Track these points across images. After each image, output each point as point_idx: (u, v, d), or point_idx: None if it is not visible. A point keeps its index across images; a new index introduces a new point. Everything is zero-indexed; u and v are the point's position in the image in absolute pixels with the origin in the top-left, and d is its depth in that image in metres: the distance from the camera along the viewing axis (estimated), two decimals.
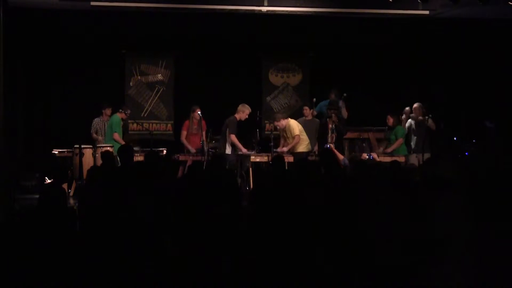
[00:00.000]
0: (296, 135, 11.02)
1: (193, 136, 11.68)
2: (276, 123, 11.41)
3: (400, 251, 4.49)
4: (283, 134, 11.33)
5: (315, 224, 5.02)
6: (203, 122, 11.64)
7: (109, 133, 11.47)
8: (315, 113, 12.02)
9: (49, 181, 10.80)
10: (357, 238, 4.77)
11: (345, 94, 11.94)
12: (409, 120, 11.60)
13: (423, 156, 10.95)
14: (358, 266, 4.56)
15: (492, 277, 4.20)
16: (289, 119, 11.31)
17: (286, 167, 10.77)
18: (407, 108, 11.80)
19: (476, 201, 4.57)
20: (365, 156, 11.10)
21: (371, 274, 4.44)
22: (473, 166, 6.91)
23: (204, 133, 11.55)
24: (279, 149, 11.26)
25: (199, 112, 11.51)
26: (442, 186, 4.72)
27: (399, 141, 11.29)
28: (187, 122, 11.76)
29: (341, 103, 11.94)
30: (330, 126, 11.25)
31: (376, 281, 4.43)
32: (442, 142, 11.85)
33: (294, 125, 11.13)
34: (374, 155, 11.05)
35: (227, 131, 10.99)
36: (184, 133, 11.76)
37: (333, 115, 11.33)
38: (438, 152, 11.46)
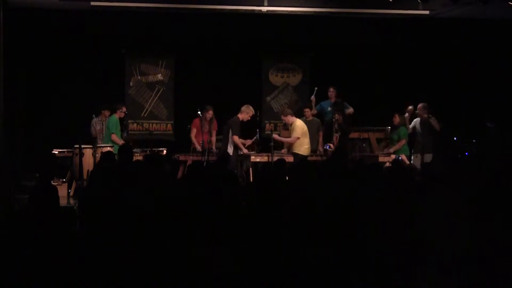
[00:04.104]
0: (295, 137, 11.05)
1: (204, 135, 11.61)
2: (282, 117, 11.45)
3: (397, 251, 4.49)
4: (289, 129, 11.37)
5: (314, 224, 5.03)
6: (215, 123, 11.68)
7: (107, 134, 11.48)
8: (315, 111, 12.03)
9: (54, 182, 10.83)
10: (357, 238, 4.77)
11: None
12: (415, 120, 11.56)
13: (423, 156, 10.94)
14: (357, 266, 4.56)
15: (490, 277, 4.20)
16: (297, 119, 11.27)
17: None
18: (411, 107, 11.77)
19: (475, 201, 4.58)
20: (393, 157, 11.09)
21: (370, 274, 4.45)
22: (473, 166, 6.91)
23: (214, 132, 11.65)
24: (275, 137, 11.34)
25: (208, 114, 11.53)
26: (438, 185, 4.73)
27: (402, 142, 11.30)
28: (197, 121, 11.69)
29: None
30: (335, 126, 11.28)
31: (374, 281, 4.43)
32: (442, 142, 11.85)
33: (299, 128, 11.10)
34: (403, 157, 11.02)
35: (230, 132, 10.97)
36: (194, 130, 11.72)
37: (336, 115, 11.36)
38: (439, 152, 11.47)
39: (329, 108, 12.04)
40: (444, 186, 4.76)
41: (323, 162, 10.27)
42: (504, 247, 4.23)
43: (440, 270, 4.33)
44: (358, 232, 4.79)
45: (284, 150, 11.38)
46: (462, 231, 4.42)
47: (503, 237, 4.26)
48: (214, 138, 11.70)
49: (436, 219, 4.53)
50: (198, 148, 11.44)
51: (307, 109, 11.97)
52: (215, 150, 11.56)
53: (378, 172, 6.19)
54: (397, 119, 11.41)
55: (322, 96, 12.38)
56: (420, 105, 11.50)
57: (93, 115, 12.00)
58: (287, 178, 7.40)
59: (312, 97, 12.29)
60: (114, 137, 11.20)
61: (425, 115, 11.36)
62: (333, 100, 12.16)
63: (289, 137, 11.34)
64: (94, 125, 11.95)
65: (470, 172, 5.98)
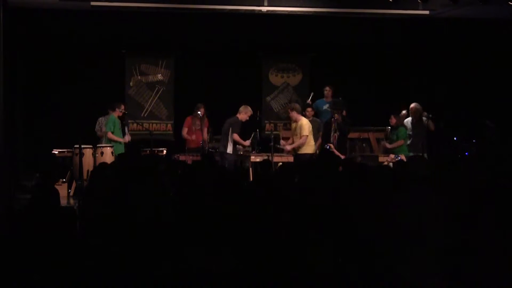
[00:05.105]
0: (305, 135, 10.99)
1: (196, 133, 11.71)
2: (290, 112, 11.27)
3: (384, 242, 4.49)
4: (293, 128, 11.27)
5: (312, 223, 5.03)
6: (206, 120, 11.69)
7: (105, 133, 11.49)
8: (312, 112, 12.02)
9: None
10: (355, 238, 4.77)
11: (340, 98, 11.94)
12: (406, 120, 11.54)
13: None
14: (357, 265, 4.57)
15: (470, 276, 4.20)
16: (303, 117, 11.24)
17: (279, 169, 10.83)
18: (404, 112, 11.74)
19: (461, 200, 4.58)
20: (392, 156, 11.08)
21: (368, 273, 4.45)
22: (472, 166, 6.90)
23: (206, 129, 11.66)
24: (282, 145, 11.34)
25: (200, 111, 11.55)
26: (414, 183, 4.74)
27: (400, 141, 11.27)
28: (189, 118, 11.77)
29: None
30: (334, 126, 11.27)
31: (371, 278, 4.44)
32: (441, 143, 11.85)
33: (306, 126, 11.03)
34: (402, 156, 11.02)
35: (230, 131, 10.96)
36: (185, 129, 11.83)
37: (335, 115, 11.33)
38: (436, 152, 11.46)
39: (324, 107, 12.03)
40: (423, 184, 4.79)
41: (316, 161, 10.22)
42: (491, 246, 4.22)
43: (423, 264, 4.32)
44: (353, 229, 4.80)
45: (285, 145, 11.32)
46: (439, 230, 4.40)
47: (492, 236, 4.25)
48: (206, 135, 11.71)
49: (412, 215, 4.52)
50: (193, 138, 11.44)
51: (309, 108, 11.94)
52: (207, 140, 11.62)
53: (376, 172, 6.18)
54: (393, 120, 11.39)
55: (319, 97, 12.39)
56: (412, 105, 11.41)
57: (100, 117, 11.98)
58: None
59: (309, 101, 12.25)
60: (110, 135, 11.21)
61: (425, 113, 11.32)
62: (328, 99, 12.15)
63: (292, 136, 11.33)
64: (101, 124, 11.91)
65: (467, 172, 5.97)
